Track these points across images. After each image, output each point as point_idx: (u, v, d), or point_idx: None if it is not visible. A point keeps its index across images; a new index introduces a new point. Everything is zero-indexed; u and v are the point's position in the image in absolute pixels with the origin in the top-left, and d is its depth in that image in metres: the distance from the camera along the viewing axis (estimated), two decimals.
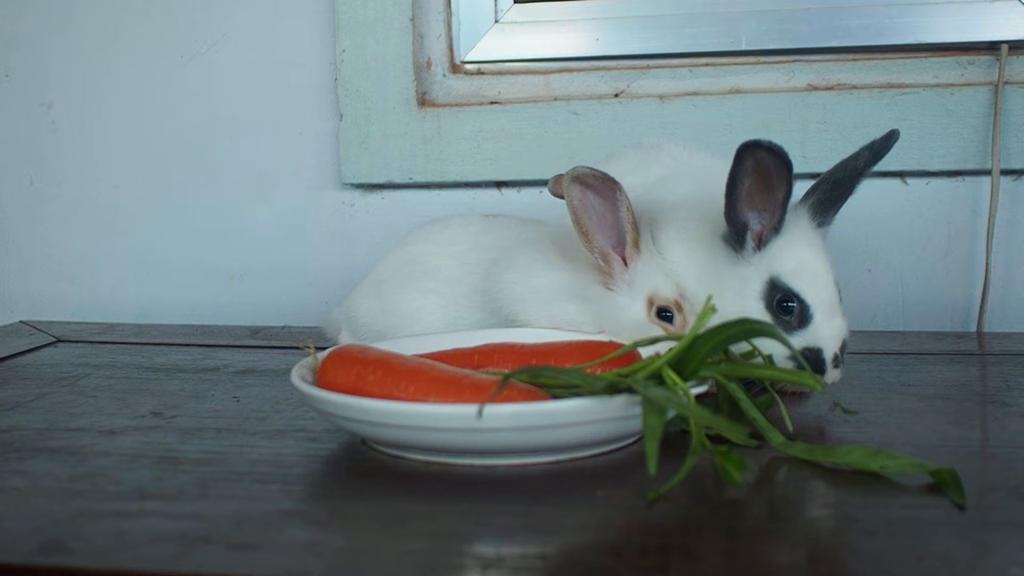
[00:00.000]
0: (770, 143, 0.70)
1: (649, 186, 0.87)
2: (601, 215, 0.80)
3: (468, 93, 1.31)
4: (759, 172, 0.73)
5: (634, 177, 0.88)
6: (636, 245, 0.81)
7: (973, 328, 1.20)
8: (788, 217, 0.77)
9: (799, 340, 0.76)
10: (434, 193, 1.32)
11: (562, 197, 0.85)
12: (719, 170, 0.85)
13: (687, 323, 0.81)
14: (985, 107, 1.17)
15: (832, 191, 0.79)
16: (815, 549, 0.52)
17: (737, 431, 0.62)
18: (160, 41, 1.37)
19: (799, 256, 0.77)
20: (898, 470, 0.62)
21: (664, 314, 0.81)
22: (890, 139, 0.80)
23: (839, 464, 0.63)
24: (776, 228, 0.77)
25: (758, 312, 0.77)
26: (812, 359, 0.76)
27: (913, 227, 1.22)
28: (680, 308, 0.81)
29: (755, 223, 0.77)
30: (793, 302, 0.76)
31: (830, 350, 0.76)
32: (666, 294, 0.81)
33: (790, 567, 0.50)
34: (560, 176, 0.85)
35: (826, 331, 0.76)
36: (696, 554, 0.51)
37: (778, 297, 0.77)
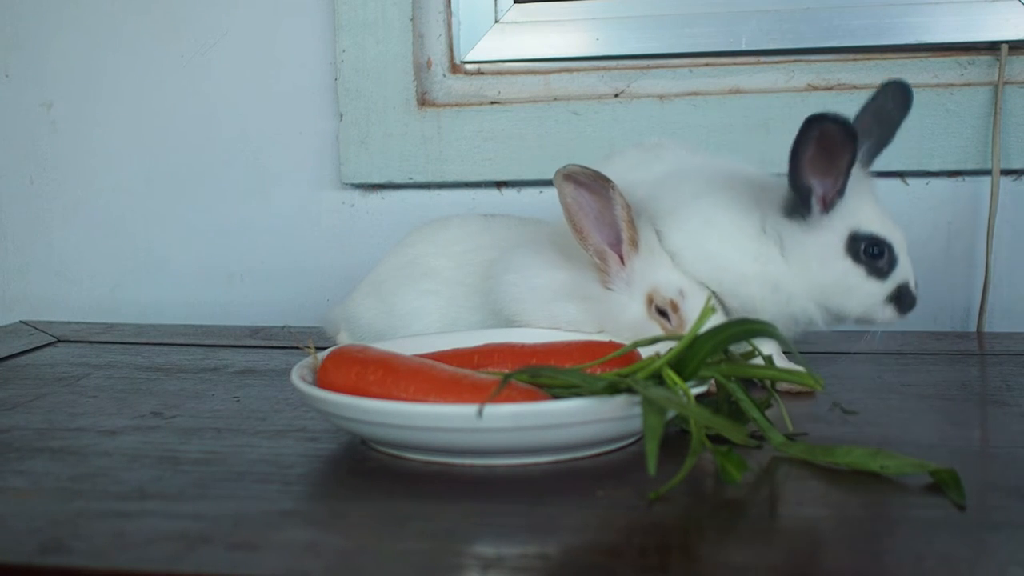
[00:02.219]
0: (835, 115, 0.74)
1: (652, 183, 0.87)
2: (596, 213, 0.80)
3: (468, 93, 1.31)
4: (822, 141, 0.76)
5: (636, 174, 0.89)
6: (633, 243, 0.80)
7: (973, 328, 1.20)
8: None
9: (893, 280, 0.81)
10: (434, 193, 1.32)
11: None
12: (724, 168, 0.86)
13: (683, 324, 0.80)
14: (985, 107, 1.17)
15: (876, 144, 0.85)
16: (815, 549, 0.52)
17: (737, 431, 0.62)
18: (160, 41, 1.37)
19: (869, 207, 0.81)
20: (898, 470, 0.62)
21: (664, 313, 0.81)
22: (902, 90, 0.86)
23: (839, 464, 0.63)
24: (841, 191, 0.79)
25: (850, 270, 0.80)
26: (907, 297, 0.81)
27: (913, 227, 1.22)
28: (677, 308, 0.80)
29: (819, 188, 0.79)
30: (880, 248, 0.80)
31: (912, 281, 0.82)
32: (665, 293, 0.81)
33: (790, 567, 0.50)
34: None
35: (909, 267, 0.82)
36: (696, 554, 0.51)
37: (863, 246, 0.80)
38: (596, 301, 0.83)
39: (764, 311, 0.82)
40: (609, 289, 0.82)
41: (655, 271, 0.81)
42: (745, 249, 0.82)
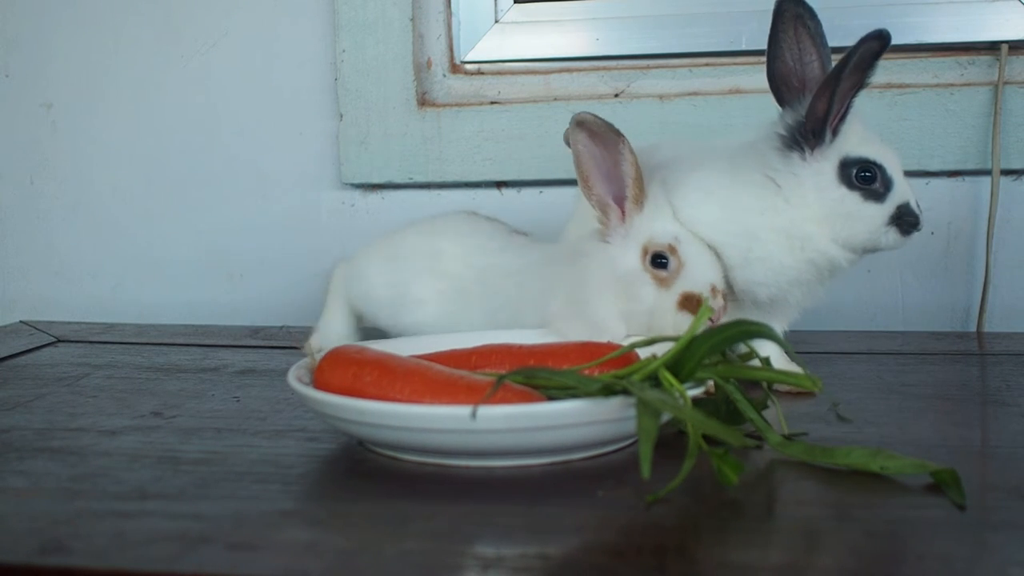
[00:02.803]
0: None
1: (652, 169, 0.87)
2: (604, 165, 0.81)
3: (468, 93, 1.31)
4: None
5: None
6: (637, 200, 0.81)
7: (973, 328, 1.20)
8: None
9: (891, 201, 0.80)
10: (434, 193, 1.32)
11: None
12: (719, 143, 0.87)
13: (682, 265, 0.80)
14: (985, 107, 1.17)
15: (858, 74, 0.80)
16: (815, 549, 0.52)
17: (734, 434, 0.62)
18: (160, 41, 1.37)
19: (857, 131, 0.81)
20: (898, 471, 0.62)
21: (659, 261, 0.81)
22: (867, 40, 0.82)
23: (839, 465, 0.63)
24: (843, 116, 0.79)
25: (846, 196, 0.80)
26: (909, 216, 0.80)
27: None
28: (674, 251, 0.80)
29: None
30: (871, 171, 0.79)
31: (913, 200, 0.80)
32: (661, 239, 0.81)
33: (790, 567, 0.50)
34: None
35: (906, 186, 0.81)
36: (695, 555, 0.51)
37: (855, 172, 0.79)
38: (590, 257, 0.83)
39: (786, 266, 0.81)
40: (606, 242, 0.82)
41: (652, 223, 0.81)
42: (748, 207, 0.82)
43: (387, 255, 0.96)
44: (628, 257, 0.81)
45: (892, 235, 0.81)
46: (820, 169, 0.80)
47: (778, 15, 0.82)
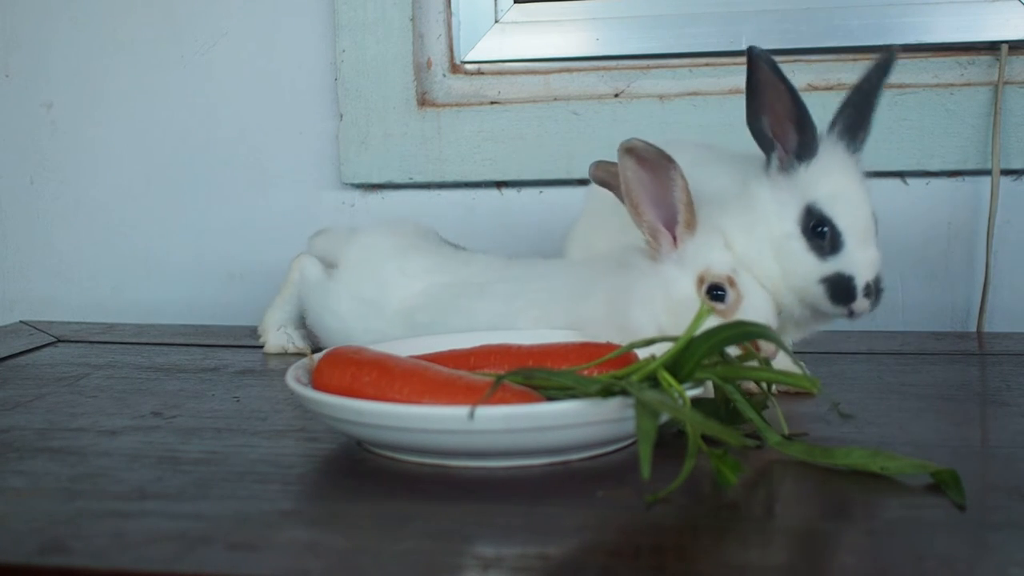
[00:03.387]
0: (768, 56, 0.77)
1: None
2: (654, 191, 0.79)
3: (468, 93, 1.31)
4: (766, 84, 0.77)
5: None
6: (689, 225, 0.79)
7: (973, 328, 1.20)
8: (822, 144, 0.80)
9: (832, 265, 0.78)
10: (434, 193, 1.32)
11: (602, 183, 0.84)
12: (727, 153, 0.86)
13: (740, 299, 0.78)
14: (985, 107, 1.17)
15: (855, 112, 0.81)
16: (815, 549, 0.52)
17: (733, 435, 0.62)
18: (160, 41, 1.37)
19: (834, 182, 0.79)
20: (898, 471, 0.61)
21: (716, 292, 0.78)
22: (890, 56, 0.83)
23: (839, 465, 0.63)
24: (799, 154, 0.79)
25: (794, 236, 0.79)
26: (843, 285, 0.77)
27: (913, 227, 1.22)
28: (733, 283, 0.78)
29: (778, 143, 0.80)
30: (824, 229, 0.78)
31: (862, 277, 0.77)
32: (719, 269, 0.79)
33: (789, 567, 0.50)
34: (601, 161, 0.84)
35: (858, 257, 0.78)
36: (694, 555, 0.51)
37: (813, 223, 0.78)
38: (641, 272, 0.81)
39: (782, 286, 0.80)
40: (658, 262, 0.81)
41: (709, 252, 0.79)
42: (741, 224, 0.81)
43: (429, 288, 0.94)
44: (682, 283, 0.79)
45: (823, 298, 0.78)
46: (784, 200, 0.80)
47: (754, 67, 0.81)
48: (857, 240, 0.78)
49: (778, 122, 0.79)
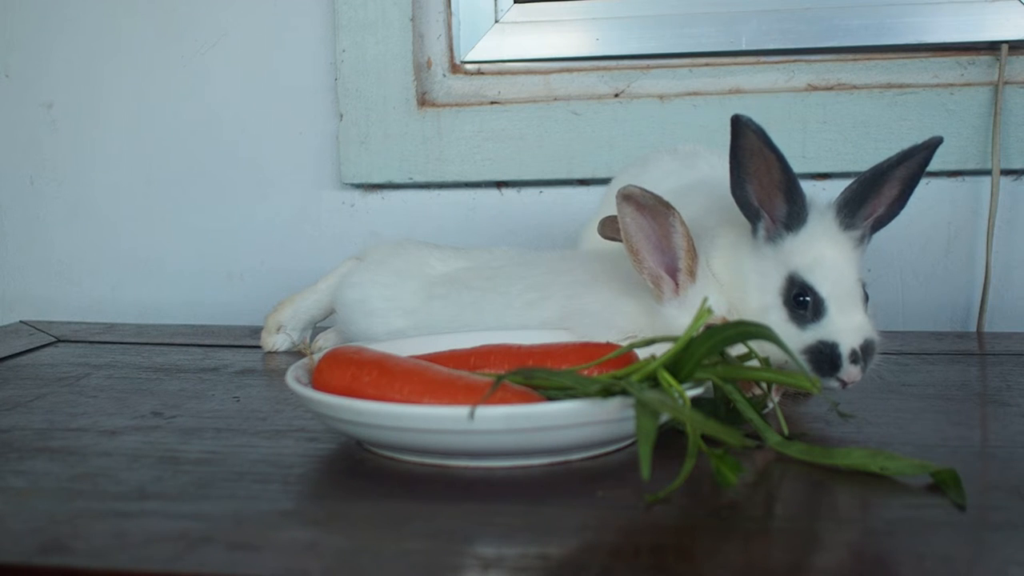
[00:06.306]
0: (755, 124, 0.71)
1: (682, 191, 0.85)
2: (654, 237, 0.78)
3: (468, 93, 1.31)
4: (759, 156, 0.73)
5: (669, 182, 0.88)
6: (691, 272, 0.78)
7: (973, 328, 1.20)
8: (812, 215, 0.76)
9: (812, 334, 0.74)
10: (434, 193, 1.32)
11: (610, 238, 0.84)
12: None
13: None
14: (985, 107, 1.17)
15: (857, 190, 0.77)
16: (814, 549, 0.52)
17: (732, 434, 0.62)
18: (160, 41, 1.37)
19: (816, 251, 0.76)
20: (898, 471, 0.61)
21: None
22: (929, 145, 0.77)
23: (838, 465, 0.63)
24: (787, 223, 0.76)
25: (776, 307, 0.76)
26: (826, 353, 0.74)
27: (913, 227, 1.22)
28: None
29: (764, 212, 0.76)
30: (807, 296, 0.75)
31: (847, 344, 0.74)
32: (717, 311, 0.78)
33: (789, 567, 0.50)
34: (607, 219, 0.84)
35: (841, 324, 0.74)
36: (694, 555, 0.51)
37: (795, 292, 0.75)
38: (650, 310, 0.81)
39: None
40: (661, 305, 0.80)
41: (711, 295, 0.78)
42: (739, 278, 0.79)
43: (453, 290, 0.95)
44: (683, 321, 0.77)
45: (808, 369, 0.74)
46: (766, 270, 0.77)
47: (739, 134, 0.74)
48: (840, 306, 0.75)
49: (764, 191, 0.76)
